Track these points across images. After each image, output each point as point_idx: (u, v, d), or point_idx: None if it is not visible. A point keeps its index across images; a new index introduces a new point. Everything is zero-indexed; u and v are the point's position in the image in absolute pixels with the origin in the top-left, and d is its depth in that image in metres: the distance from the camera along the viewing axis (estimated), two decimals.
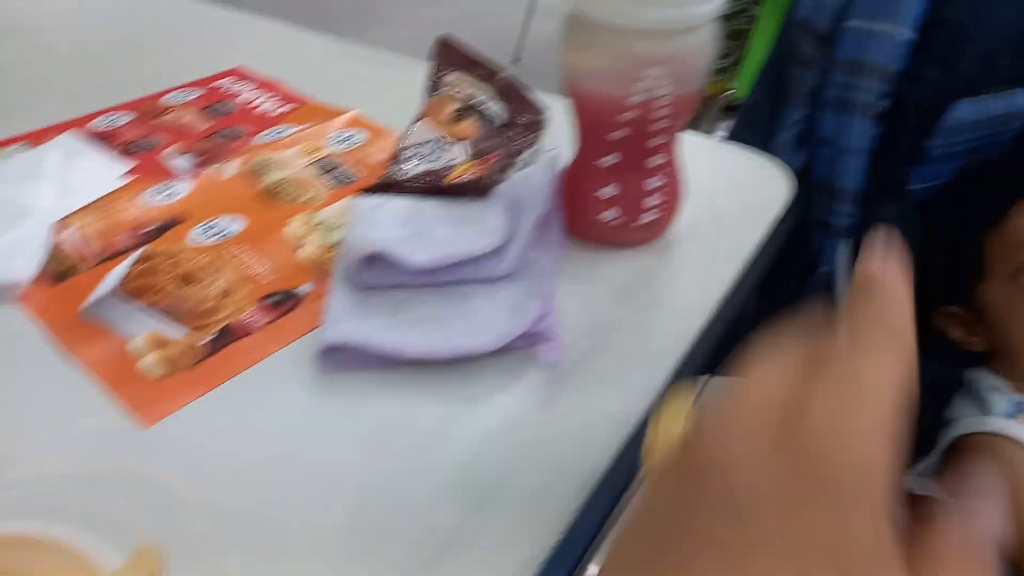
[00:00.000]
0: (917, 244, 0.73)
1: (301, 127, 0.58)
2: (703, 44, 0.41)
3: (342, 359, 0.40)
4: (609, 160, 0.45)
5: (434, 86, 0.54)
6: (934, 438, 0.70)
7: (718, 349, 0.80)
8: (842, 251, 0.65)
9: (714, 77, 1.87)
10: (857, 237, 0.69)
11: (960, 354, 0.73)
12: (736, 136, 0.79)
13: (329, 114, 0.59)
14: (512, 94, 0.55)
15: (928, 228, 0.73)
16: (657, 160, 0.46)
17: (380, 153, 0.55)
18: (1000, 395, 0.67)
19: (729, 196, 0.56)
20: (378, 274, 0.43)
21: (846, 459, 0.19)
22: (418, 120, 0.53)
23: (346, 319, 0.41)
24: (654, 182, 0.47)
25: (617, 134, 0.44)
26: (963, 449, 0.67)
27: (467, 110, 0.53)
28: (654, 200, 0.47)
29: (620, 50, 0.39)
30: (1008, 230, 0.67)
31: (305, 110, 0.61)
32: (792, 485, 0.19)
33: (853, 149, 0.62)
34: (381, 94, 0.61)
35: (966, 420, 0.67)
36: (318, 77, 0.66)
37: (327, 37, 0.74)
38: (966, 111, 0.66)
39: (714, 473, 0.19)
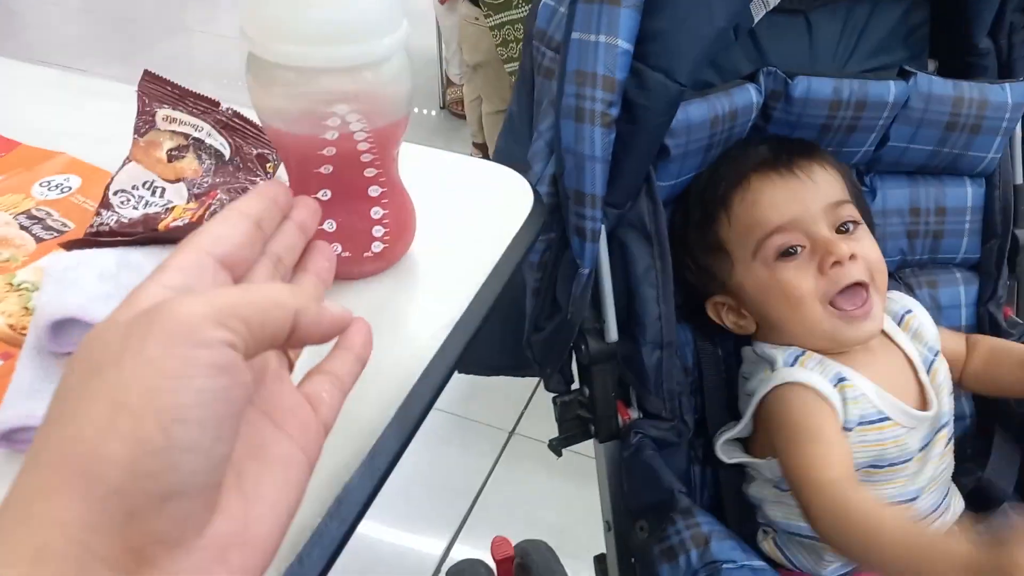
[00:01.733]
0: (677, 242, 0.78)
1: (2, 177, 0.53)
2: (392, 76, 0.41)
3: (28, 439, 0.36)
4: (323, 195, 0.44)
5: (145, 124, 0.51)
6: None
7: (502, 349, 0.82)
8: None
9: None
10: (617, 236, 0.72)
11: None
12: (501, 145, 0.80)
13: (38, 158, 0.55)
14: (235, 127, 0.52)
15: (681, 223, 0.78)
16: (374, 190, 0.45)
17: (96, 199, 0.51)
18: (781, 351, 0.73)
19: (469, 214, 0.56)
20: (75, 340, 0.40)
21: None
22: (128, 162, 0.49)
23: (30, 396, 0.37)
24: (377, 211, 0.46)
25: (323, 169, 0.43)
26: (765, 410, 0.72)
27: (183, 148, 0.50)
28: (380, 230, 0.47)
29: (302, 89, 0.39)
30: (735, 215, 0.73)
31: (12, 157, 0.56)
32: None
33: (592, 156, 0.64)
34: (99, 130, 0.57)
35: (761, 382, 0.72)
36: (25, 115, 0.60)
37: (38, 66, 0.68)
38: (696, 111, 0.71)
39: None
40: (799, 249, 0.70)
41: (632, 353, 0.73)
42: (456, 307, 0.49)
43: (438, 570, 1.34)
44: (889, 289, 0.86)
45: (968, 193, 0.87)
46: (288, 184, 0.46)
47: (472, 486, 1.48)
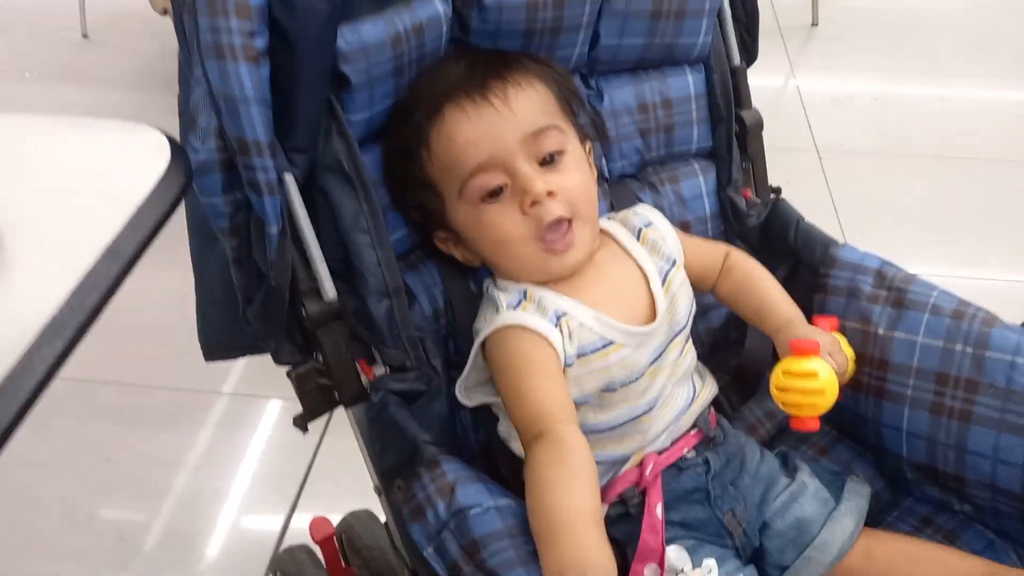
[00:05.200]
0: (393, 178, 0.72)
1: None
2: None
3: None
4: None
5: None
6: None
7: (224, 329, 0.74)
8: None
9: None
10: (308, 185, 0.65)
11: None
12: (180, 99, 0.71)
13: None
14: None
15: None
16: None
17: None
18: (506, 292, 0.69)
19: (89, 180, 0.48)
20: None
21: None
22: None
23: None
24: None
25: None
26: (488, 353, 0.68)
27: None
28: None
29: None
30: (435, 153, 0.68)
31: None
32: None
33: (244, 98, 0.57)
34: None
35: (485, 324, 0.69)
36: None
37: None
38: (371, 31, 0.64)
39: None
40: (503, 189, 0.66)
41: (360, 307, 0.67)
42: (68, 280, 0.41)
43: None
44: (637, 191, 0.85)
45: (690, 81, 0.86)
46: None
47: (301, 464, 1.40)
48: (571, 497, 0.55)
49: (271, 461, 1.38)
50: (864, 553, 0.70)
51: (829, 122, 2.19)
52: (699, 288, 0.79)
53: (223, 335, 0.77)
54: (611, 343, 0.67)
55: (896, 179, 1.98)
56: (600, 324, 0.67)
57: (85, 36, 2.51)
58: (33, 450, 1.35)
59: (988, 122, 2.18)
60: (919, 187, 1.95)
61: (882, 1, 2.77)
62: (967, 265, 1.71)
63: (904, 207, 1.87)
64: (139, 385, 1.47)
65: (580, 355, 0.66)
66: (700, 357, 0.84)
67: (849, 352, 0.73)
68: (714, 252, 0.80)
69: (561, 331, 0.66)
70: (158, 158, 0.51)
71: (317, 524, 1.01)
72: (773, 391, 0.70)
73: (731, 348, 0.87)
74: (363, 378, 0.67)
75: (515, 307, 0.68)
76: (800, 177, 1.62)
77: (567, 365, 0.65)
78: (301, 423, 0.67)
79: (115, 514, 1.31)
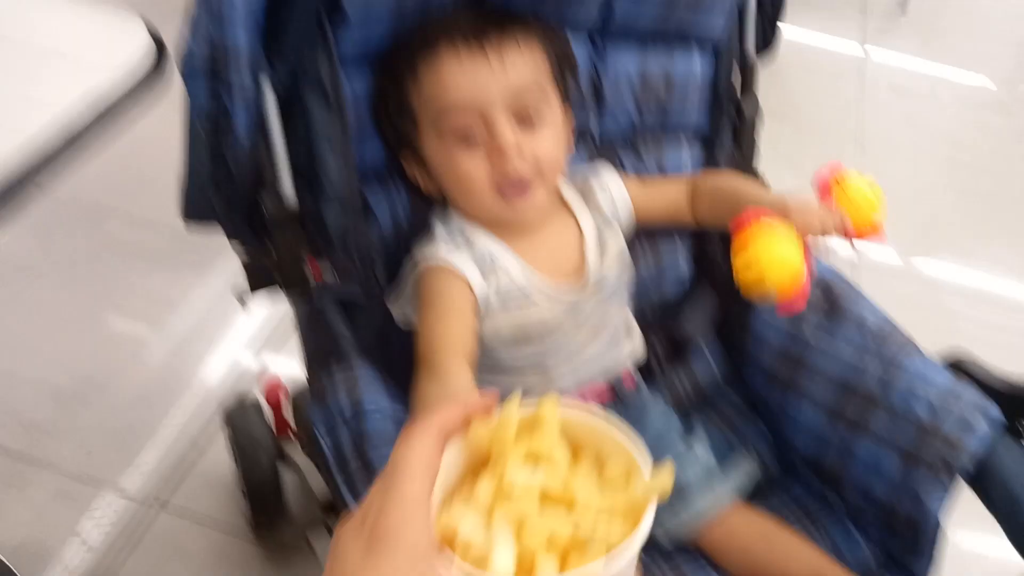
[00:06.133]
0: (377, 97, 0.74)
1: None
2: None
3: None
4: None
5: None
6: None
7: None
8: None
9: None
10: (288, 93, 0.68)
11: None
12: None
13: None
14: None
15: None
16: None
17: None
18: (446, 227, 0.74)
19: (63, 54, 0.52)
20: None
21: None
22: None
23: None
24: None
25: None
26: (416, 283, 0.73)
27: None
28: None
29: None
30: (421, 83, 0.70)
31: None
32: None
33: (233, 3, 0.60)
34: None
35: (419, 254, 0.74)
36: None
37: None
38: None
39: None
40: (476, 135, 0.69)
41: (315, 211, 0.72)
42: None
43: None
44: (620, 154, 0.87)
45: (697, 64, 0.86)
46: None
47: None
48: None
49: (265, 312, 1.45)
50: (729, 528, 0.75)
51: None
52: (680, 223, 0.82)
53: (197, 203, 0.82)
54: (533, 298, 0.72)
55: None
56: (526, 278, 0.72)
57: None
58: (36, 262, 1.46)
59: None
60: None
61: None
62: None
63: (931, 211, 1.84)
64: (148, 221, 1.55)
65: (502, 304, 0.71)
66: (641, 320, 0.87)
67: (864, 201, 0.68)
68: (680, 186, 0.82)
69: (485, 276, 0.70)
70: (134, 45, 0.55)
71: (269, 384, 1.09)
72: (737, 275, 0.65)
73: (675, 316, 0.91)
74: (309, 276, 0.73)
75: (448, 243, 0.72)
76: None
77: (487, 310, 0.70)
78: (240, 296, 0.73)
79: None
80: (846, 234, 0.67)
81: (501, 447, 0.42)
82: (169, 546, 1.14)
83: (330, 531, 1.00)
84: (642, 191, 0.81)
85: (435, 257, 0.71)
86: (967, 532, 0.91)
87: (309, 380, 0.70)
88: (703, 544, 0.77)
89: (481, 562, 0.38)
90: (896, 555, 0.76)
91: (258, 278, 0.73)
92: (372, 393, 0.65)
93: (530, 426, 0.44)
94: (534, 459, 0.42)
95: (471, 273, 0.70)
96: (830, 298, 0.79)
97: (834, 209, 0.68)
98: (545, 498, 0.41)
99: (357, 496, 0.60)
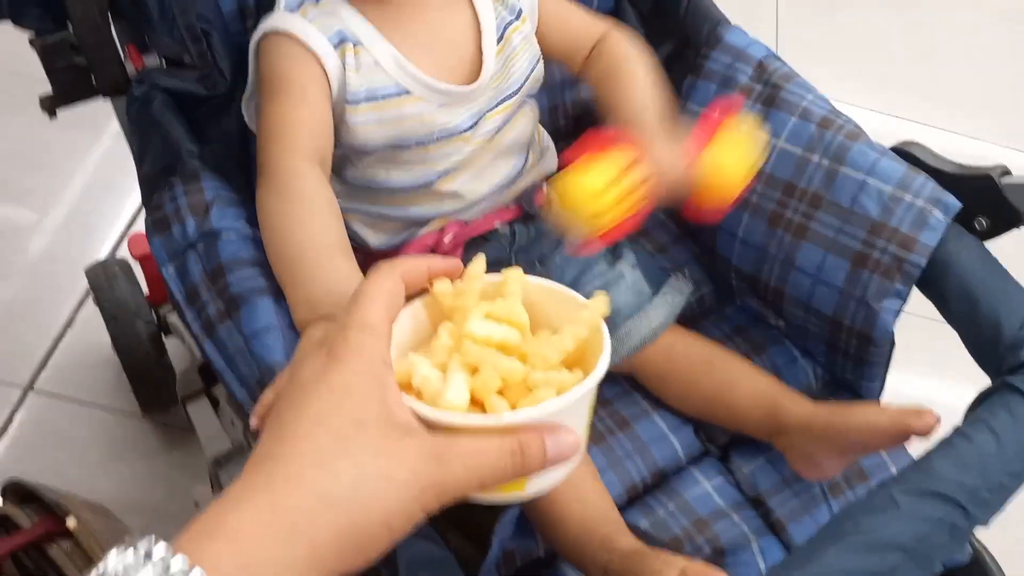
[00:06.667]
0: None
1: None
2: None
3: None
4: None
5: None
6: None
7: None
8: None
9: None
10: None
11: None
12: None
13: None
14: None
15: None
16: None
17: None
18: None
19: None
20: None
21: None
22: None
23: None
24: None
25: None
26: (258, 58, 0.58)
27: None
28: None
29: None
30: None
31: None
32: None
33: None
34: None
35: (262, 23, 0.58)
36: None
37: None
38: None
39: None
40: None
41: None
42: None
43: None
44: None
45: None
46: None
47: None
48: (307, 231, 0.49)
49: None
50: (666, 350, 0.68)
51: None
52: (565, 65, 0.69)
53: None
54: (407, 92, 0.58)
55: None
56: (398, 69, 0.58)
57: None
58: None
59: None
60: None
61: None
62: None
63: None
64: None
65: (370, 97, 0.57)
66: (561, 130, 0.76)
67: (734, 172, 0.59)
68: (589, 29, 0.68)
69: (344, 59, 0.56)
70: None
71: (138, 240, 0.95)
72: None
73: (598, 124, 0.79)
74: (129, 67, 0.57)
75: (295, 9, 0.57)
76: None
77: (350, 102, 0.56)
78: (49, 105, 0.57)
79: None
80: (684, 210, 0.58)
81: (463, 302, 0.43)
82: (45, 429, 1.02)
83: (211, 400, 0.89)
84: (557, 5, 0.67)
85: (276, 24, 0.56)
86: (909, 376, 0.85)
87: (147, 206, 0.56)
88: (636, 373, 0.70)
89: (435, 401, 0.39)
90: (843, 376, 0.70)
91: (68, 83, 0.57)
92: (226, 213, 0.53)
93: (492, 294, 0.44)
94: (495, 320, 0.43)
95: (321, 48, 0.55)
96: (767, 82, 0.69)
97: (694, 170, 0.57)
98: (503, 349, 0.41)
99: (211, 333, 0.48)
